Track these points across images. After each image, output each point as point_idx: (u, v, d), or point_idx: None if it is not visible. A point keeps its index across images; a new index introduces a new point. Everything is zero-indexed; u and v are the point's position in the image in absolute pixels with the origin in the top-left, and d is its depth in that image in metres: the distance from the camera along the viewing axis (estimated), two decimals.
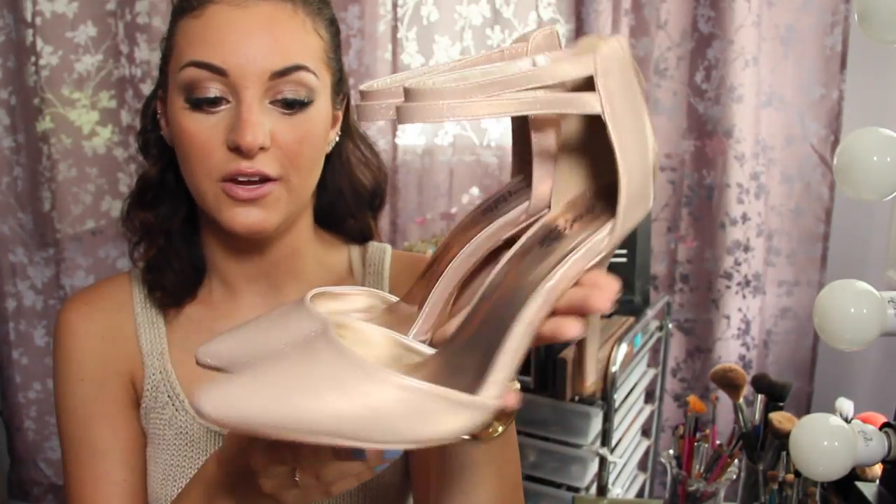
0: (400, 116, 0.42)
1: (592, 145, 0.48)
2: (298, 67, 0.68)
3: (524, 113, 0.43)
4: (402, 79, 0.46)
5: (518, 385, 0.54)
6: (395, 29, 1.92)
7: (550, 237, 0.49)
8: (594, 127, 0.46)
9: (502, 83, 0.41)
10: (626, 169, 0.45)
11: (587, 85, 0.44)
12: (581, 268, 0.47)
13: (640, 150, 0.46)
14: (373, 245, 0.87)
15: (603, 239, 0.47)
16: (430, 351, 0.49)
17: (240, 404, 0.40)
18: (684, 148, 1.94)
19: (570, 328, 0.47)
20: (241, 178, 0.68)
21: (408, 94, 0.41)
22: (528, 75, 0.42)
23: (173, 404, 0.77)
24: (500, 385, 0.44)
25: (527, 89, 0.42)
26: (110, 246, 2.00)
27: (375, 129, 1.95)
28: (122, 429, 0.76)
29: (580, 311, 0.47)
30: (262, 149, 0.67)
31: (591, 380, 0.53)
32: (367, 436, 0.41)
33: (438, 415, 0.42)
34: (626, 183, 0.46)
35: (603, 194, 0.49)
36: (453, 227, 0.56)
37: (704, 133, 1.91)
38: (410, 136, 2.01)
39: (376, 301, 0.58)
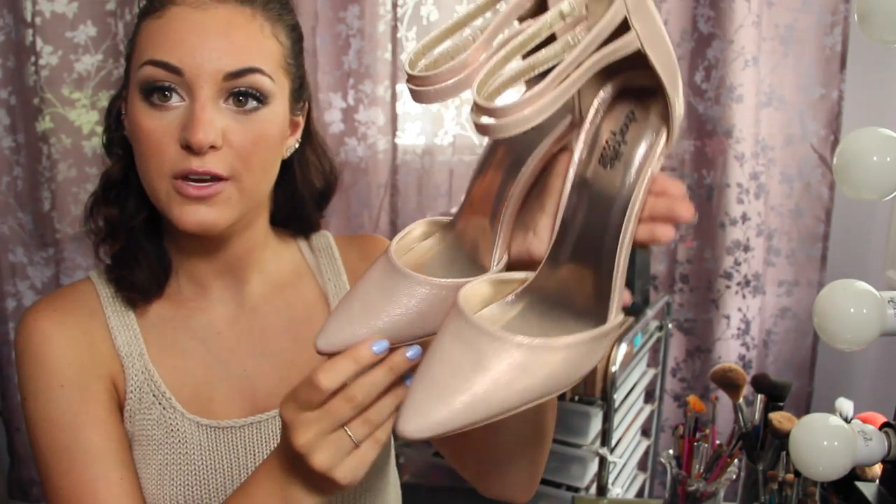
0: (488, 132, 0.46)
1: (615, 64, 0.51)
2: (253, 70, 0.70)
3: (585, 80, 0.47)
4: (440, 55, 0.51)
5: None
6: (394, 29, 1.92)
7: (608, 156, 0.55)
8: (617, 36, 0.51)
9: (569, 66, 0.46)
10: (668, 82, 0.51)
11: (623, 26, 0.48)
12: (652, 177, 0.54)
13: (671, 60, 0.51)
14: (314, 234, 0.90)
15: (662, 149, 0.54)
16: (520, 275, 0.56)
17: (439, 416, 0.48)
18: (684, 148, 1.94)
19: (667, 233, 0.56)
20: (191, 177, 0.69)
21: (494, 112, 0.45)
22: (582, 50, 0.47)
23: (160, 403, 0.77)
24: (618, 301, 0.52)
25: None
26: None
27: (376, 129, 1.95)
28: (113, 430, 0.75)
29: (670, 220, 0.55)
30: (213, 147, 0.68)
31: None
32: (547, 393, 0.49)
33: (594, 352, 0.51)
34: (674, 94, 0.52)
35: (638, 103, 0.56)
36: (484, 166, 0.60)
37: (704, 133, 1.91)
38: (410, 136, 2.01)
39: (430, 228, 0.63)
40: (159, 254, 0.79)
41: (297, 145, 0.80)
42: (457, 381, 0.48)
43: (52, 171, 1.92)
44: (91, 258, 1.98)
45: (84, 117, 1.93)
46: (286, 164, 0.79)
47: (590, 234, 0.54)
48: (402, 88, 1.97)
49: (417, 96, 0.49)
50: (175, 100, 0.69)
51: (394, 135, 1.97)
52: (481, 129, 0.46)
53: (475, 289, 0.54)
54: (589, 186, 0.55)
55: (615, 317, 0.52)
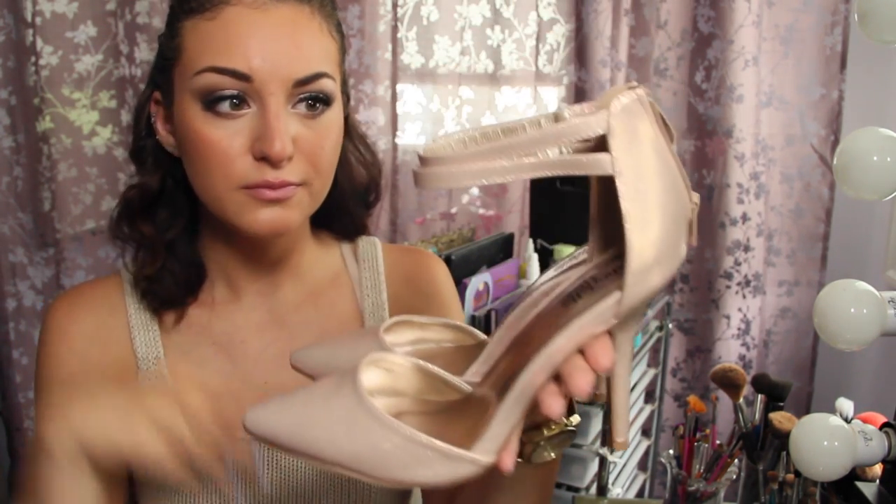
0: (418, 181, 0.42)
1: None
2: (320, 75, 0.67)
3: (538, 175, 0.42)
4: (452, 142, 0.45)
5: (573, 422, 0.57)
6: (395, 29, 1.92)
7: (571, 297, 0.49)
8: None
9: (513, 147, 0.41)
10: (637, 234, 0.42)
11: (604, 143, 0.42)
12: (583, 337, 0.45)
13: (661, 211, 0.43)
14: (362, 240, 0.86)
15: (609, 308, 0.44)
16: (467, 388, 0.51)
17: (272, 425, 0.48)
18: (684, 148, 1.94)
19: (551, 406, 0.45)
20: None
21: (423, 160, 0.42)
22: (538, 138, 0.42)
23: None
24: (495, 441, 0.46)
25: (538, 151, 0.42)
26: (110, 246, 2.00)
27: (376, 129, 1.95)
28: None
29: (563, 390, 0.45)
30: (288, 157, 0.66)
31: (621, 438, 0.51)
32: (366, 471, 0.46)
33: (429, 462, 0.45)
34: (638, 250, 0.43)
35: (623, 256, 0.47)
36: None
37: (704, 133, 1.91)
38: (410, 136, 2.01)
39: (456, 335, 0.58)
40: (193, 262, 0.76)
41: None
42: (304, 412, 0.48)
43: (52, 171, 1.92)
44: (92, 258, 1.99)
45: (84, 117, 1.93)
46: None
47: (511, 367, 0.49)
48: (403, 88, 1.97)
49: (417, 179, 0.44)
50: (242, 108, 0.66)
51: (394, 135, 1.97)
52: (414, 177, 0.43)
53: (395, 364, 0.51)
54: (540, 320, 0.50)
55: (486, 454, 0.46)
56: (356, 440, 0.46)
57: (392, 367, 0.51)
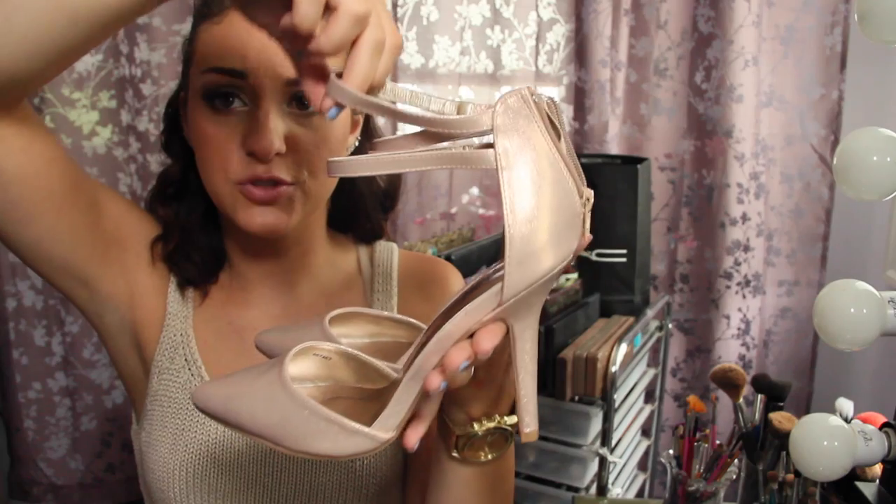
0: (329, 169, 0.49)
1: None
2: None
3: (428, 168, 0.47)
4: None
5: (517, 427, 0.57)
6: None
7: (470, 290, 0.52)
8: None
9: (409, 116, 0.47)
10: (516, 224, 0.45)
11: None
12: (469, 323, 0.49)
13: (546, 204, 0.46)
14: (380, 244, 0.88)
15: (492, 296, 0.48)
16: (393, 374, 0.55)
17: (210, 398, 0.54)
18: (684, 148, 1.94)
19: (429, 381, 0.49)
20: (256, 182, 0.70)
21: (338, 74, 0.49)
22: (433, 120, 0.47)
23: (189, 369, 0.78)
24: (394, 418, 0.51)
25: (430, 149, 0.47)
26: None
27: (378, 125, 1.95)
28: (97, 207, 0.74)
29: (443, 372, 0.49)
30: (277, 154, 0.69)
31: (528, 429, 0.53)
32: (279, 441, 0.51)
33: (332, 436, 0.50)
34: (515, 239, 0.46)
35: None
36: None
37: (704, 133, 1.91)
38: None
39: (409, 332, 0.61)
40: (213, 247, 0.81)
41: (356, 143, 0.80)
42: (236, 388, 0.54)
43: None
44: None
45: (84, 117, 1.93)
46: None
47: (416, 350, 0.53)
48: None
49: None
50: (237, 104, 0.69)
51: (394, 133, 1.97)
52: (328, 165, 0.50)
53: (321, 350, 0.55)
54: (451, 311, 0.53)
55: (384, 431, 0.50)
56: (272, 414, 0.51)
57: (329, 355, 0.56)
